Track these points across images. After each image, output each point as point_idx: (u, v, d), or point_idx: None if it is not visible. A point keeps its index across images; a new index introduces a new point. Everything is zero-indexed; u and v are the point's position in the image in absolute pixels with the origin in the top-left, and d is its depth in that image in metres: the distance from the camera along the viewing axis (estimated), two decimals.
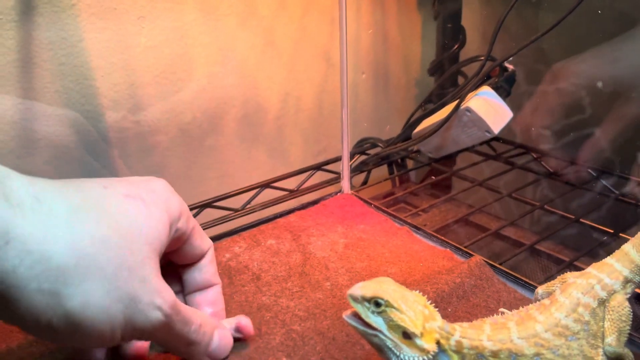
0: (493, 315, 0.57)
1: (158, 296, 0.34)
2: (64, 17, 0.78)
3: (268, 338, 0.54)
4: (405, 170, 1.02)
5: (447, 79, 1.03)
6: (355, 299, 0.41)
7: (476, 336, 0.43)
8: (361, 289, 0.41)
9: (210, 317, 0.43)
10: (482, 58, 0.88)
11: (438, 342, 0.42)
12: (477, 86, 0.88)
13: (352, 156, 0.98)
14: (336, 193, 0.86)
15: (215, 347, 0.42)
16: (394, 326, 0.41)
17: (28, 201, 0.29)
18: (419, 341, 0.41)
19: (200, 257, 0.44)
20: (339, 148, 0.91)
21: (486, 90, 0.87)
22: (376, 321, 0.41)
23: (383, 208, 0.80)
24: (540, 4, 0.92)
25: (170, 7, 0.87)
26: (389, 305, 0.41)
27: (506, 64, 0.89)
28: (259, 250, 0.69)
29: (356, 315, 0.42)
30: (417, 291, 0.43)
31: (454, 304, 0.58)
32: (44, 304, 0.29)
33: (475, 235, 0.76)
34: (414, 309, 0.41)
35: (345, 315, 0.42)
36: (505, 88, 0.89)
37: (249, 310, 0.59)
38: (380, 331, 0.41)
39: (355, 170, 0.97)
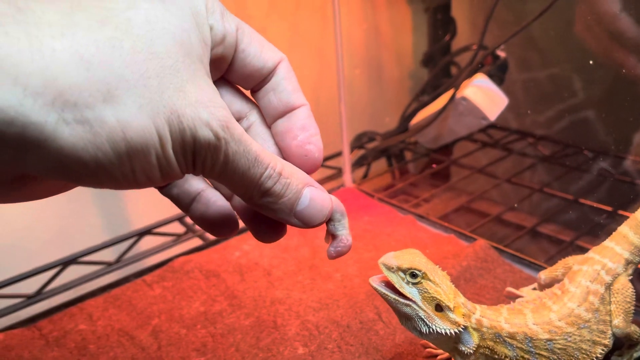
0: (500, 295, 0.59)
1: (203, 109, 0.27)
2: None
3: (284, 329, 0.56)
4: (405, 162, 1.04)
5: (440, 69, 1.05)
6: (389, 268, 0.42)
7: (495, 317, 0.45)
8: (396, 258, 0.42)
9: (299, 172, 0.32)
10: (475, 47, 0.90)
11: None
12: (470, 75, 0.89)
13: (351, 151, 0.99)
14: (338, 187, 0.87)
15: (303, 208, 0.32)
16: (428, 298, 0.42)
17: (9, 13, 0.23)
18: (451, 314, 0.42)
19: (268, 72, 0.33)
20: (337, 144, 0.92)
21: (481, 78, 0.89)
22: (411, 292, 0.42)
23: (386, 199, 0.81)
24: None
25: None
26: (425, 277, 0.42)
27: (498, 52, 0.91)
28: (268, 247, 0.70)
29: (385, 283, 0.43)
30: (438, 266, 0.45)
31: (462, 287, 0.60)
32: (79, 138, 0.23)
33: (477, 221, 0.78)
34: (445, 283, 0.43)
35: (374, 282, 0.43)
36: (499, 75, 0.91)
37: (263, 305, 0.60)
38: (414, 302, 0.42)
39: (355, 165, 0.98)
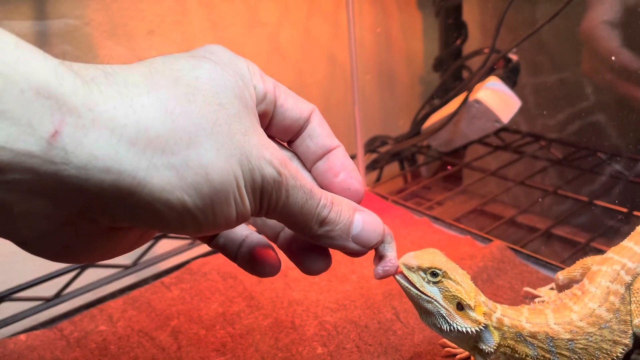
0: (518, 295, 0.59)
1: (265, 150, 0.30)
2: (77, 36, 0.80)
3: (302, 330, 0.56)
4: (417, 165, 1.04)
5: (451, 73, 1.05)
6: (410, 268, 0.42)
7: (516, 316, 0.45)
8: (416, 258, 0.42)
9: (347, 200, 0.35)
10: (486, 51, 0.90)
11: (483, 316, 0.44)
12: (483, 78, 0.90)
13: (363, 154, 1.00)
14: None
15: (359, 231, 0.35)
16: (449, 296, 0.42)
17: (101, 76, 0.26)
18: (472, 313, 0.43)
19: (303, 122, 0.36)
20: (349, 148, 0.93)
21: (493, 81, 0.89)
22: (432, 291, 0.42)
23: (401, 202, 0.82)
24: None
25: (179, 21, 0.89)
26: (446, 276, 0.42)
27: (510, 55, 0.91)
28: None
29: (407, 281, 0.43)
30: (458, 265, 0.45)
31: (479, 287, 0.59)
32: (167, 182, 0.26)
33: (491, 223, 0.78)
34: (466, 282, 0.43)
35: (399, 276, 0.43)
36: (511, 78, 0.91)
37: (281, 306, 0.60)
38: (435, 300, 0.42)
39: (367, 168, 0.99)
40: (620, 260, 0.49)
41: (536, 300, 0.58)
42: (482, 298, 0.44)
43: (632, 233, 0.52)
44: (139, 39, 0.86)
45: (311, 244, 0.36)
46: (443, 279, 0.42)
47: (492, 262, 0.63)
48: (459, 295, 0.42)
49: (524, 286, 0.60)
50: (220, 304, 0.62)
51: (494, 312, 0.44)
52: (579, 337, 0.45)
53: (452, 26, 1.05)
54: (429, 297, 0.42)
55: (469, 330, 0.43)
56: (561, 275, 0.56)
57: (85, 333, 0.58)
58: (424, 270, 0.42)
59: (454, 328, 0.43)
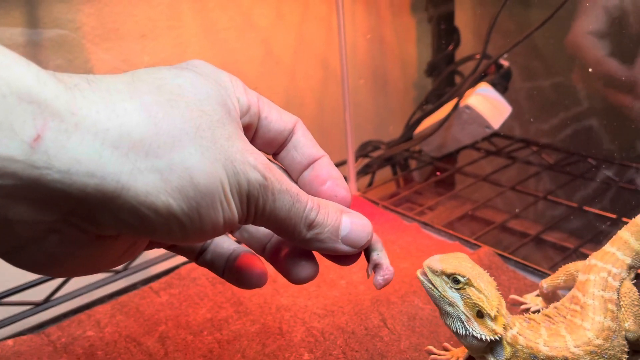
0: (505, 302, 0.59)
1: (249, 154, 0.30)
2: (70, 40, 0.80)
3: (290, 336, 0.56)
4: (409, 171, 1.05)
5: (444, 78, 1.06)
6: (434, 272, 0.43)
7: (533, 338, 0.45)
8: (441, 262, 0.43)
9: (333, 203, 0.36)
10: (478, 56, 0.91)
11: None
12: (474, 84, 0.90)
13: (355, 159, 1.00)
14: None
15: (348, 232, 0.35)
16: (470, 304, 0.43)
17: (83, 82, 0.26)
18: (490, 322, 0.43)
19: (288, 133, 0.37)
20: (342, 152, 0.93)
21: (484, 87, 0.90)
22: (453, 296, 0.43)
23: (391, 207, 0.82)
24: (529, 2, 0.95)
25: (171, 25, 0.90)
26: (469, 283, 0.42)
27: (501, 61, 0.92)
28: None
29: (430, 283, 0.44)
30: (486, 272, 0.45)
31: None
32: (151, 186, 0.26)
33: (482, 228, 0.78)
34: (490, 290, 0.43)
35: (421, 274, 0.44)
36: (502, 84, 0.92)
37: (269, 311, 0.60)
38: (456, 305, 0.43)
39: (360, 173, 0.99)
40: (605, 267, 0.50)
41: (523, 306, 0.58)
42: (504, 310, 0.44)
43: (613, 237, 0.52)
44: (131, 43, 0.86)
45: (297, 252, 0.37)
46: (466, 286, 0.42)
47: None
48: (480, 304, 0.42)
49: (511, 292, 0.60)
50: (208, 309, 0.62)
51: (511, 328, 0.44)
52: (597, 357, 0.44)
53: (444, 32, 1.05)
54: (450, 301, 0.43)
55: (484, 337, 0.43)
56: (545, 283, 0.56)
57: (72, 338, 0.58)
58: (447, 275, 0.43)
59: (469, 333, 0.43)
